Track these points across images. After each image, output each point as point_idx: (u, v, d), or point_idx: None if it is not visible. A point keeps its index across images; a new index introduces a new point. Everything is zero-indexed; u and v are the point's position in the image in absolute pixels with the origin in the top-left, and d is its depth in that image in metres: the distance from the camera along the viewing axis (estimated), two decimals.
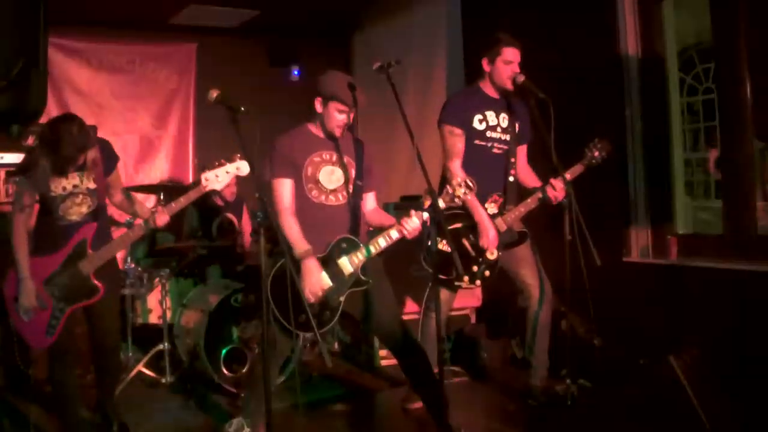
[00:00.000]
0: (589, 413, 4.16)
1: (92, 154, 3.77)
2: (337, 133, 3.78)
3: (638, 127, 5.11)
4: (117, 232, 4.21)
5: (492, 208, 4.35)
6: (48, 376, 4.11)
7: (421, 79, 7.09)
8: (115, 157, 3.96)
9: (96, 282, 3.77)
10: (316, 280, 3.62)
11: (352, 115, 3.78)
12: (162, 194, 5.57)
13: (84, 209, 3.79)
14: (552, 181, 4.19)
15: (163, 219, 3.76)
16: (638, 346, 4.55)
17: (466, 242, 4.32)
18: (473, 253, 4.31)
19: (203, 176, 3.66)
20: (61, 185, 3.72)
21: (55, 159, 3.63)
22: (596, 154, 4.31)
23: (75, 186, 3.76)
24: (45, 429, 4.22)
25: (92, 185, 3.81)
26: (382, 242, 3.71)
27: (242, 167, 3.66)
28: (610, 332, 4.81)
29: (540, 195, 4.25)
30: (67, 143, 3.57)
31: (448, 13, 6.79)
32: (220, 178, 3.67)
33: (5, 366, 4.94)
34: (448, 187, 3.70)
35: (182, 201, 3.78)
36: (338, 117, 3.74)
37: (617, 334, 4.80)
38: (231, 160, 3.67)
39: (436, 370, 3.79)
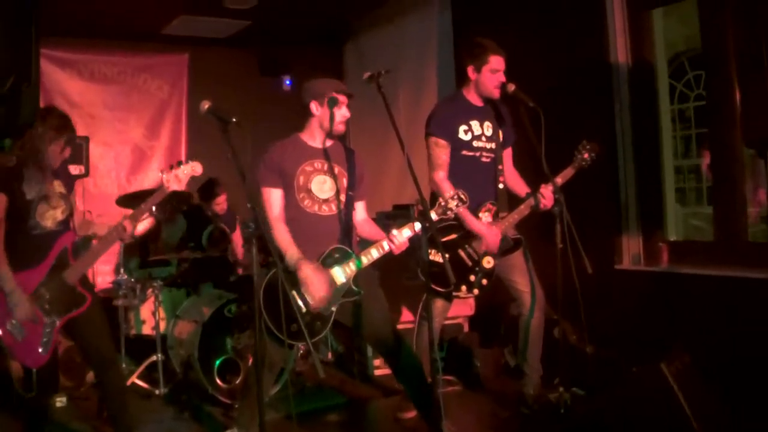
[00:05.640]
0: (582, 421, 4.16)
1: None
2: (342, 128, 3.80)
3: (628, 134, 5.11)
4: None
5: (486, 217, 4.35)
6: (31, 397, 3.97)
7: (412, 88, 7.10)
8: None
9: (83, 291, 3.73)
10: (317, 283, 3.62)
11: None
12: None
13: (59, 214, 3.74)
14: (542, 187, 4.21)
15: (128, 229, 3.71)
16: (630, 353, 4.55)
17: (462, 252, 4.32)
18: (470, 263, 4.32)
19: (164, 177, 3.68)
20: (35, 189, 3.66)
21: (38, 162, 3.63)
22: (585, 155, 4.31)
23: (49, 190, 3.71)
24: None
25: (64, 190, 3.80)
26: (374, 253, 3.72)
27: (196, 168, 3.72)
28: (603, 339, 4.81)
29: (533, 202, 4.26)
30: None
31: (440, 23, 6.80)
32: (180, 177, 3.70)
33: None
34: (440, 199, 3.71)
35: (144, 207, 3.77)
36: (339, 112, 3.76)
37: (609, 342, 4.80)
38: (184, 163, 3.73)
39: (429, 379, 3.80)
